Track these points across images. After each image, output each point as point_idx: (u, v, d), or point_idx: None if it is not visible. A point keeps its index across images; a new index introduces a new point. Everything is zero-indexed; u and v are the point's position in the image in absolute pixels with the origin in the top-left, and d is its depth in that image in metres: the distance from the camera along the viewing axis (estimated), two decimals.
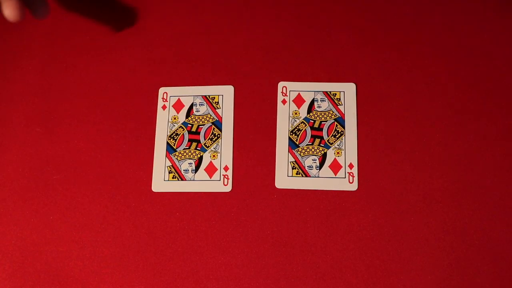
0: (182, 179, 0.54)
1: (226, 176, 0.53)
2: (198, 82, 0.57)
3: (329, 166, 0.53)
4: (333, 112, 0.54)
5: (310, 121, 0.54)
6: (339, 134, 0.53)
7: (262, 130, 0.54)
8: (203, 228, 0.52)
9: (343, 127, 0.54)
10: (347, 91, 0.55)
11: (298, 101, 0.55)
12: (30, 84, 0.58)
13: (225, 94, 0.56)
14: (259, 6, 0.59)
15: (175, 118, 0.55)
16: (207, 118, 0.55)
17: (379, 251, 0.50)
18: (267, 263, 0.51)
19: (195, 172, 0.54)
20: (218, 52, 0.57)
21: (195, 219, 0.52)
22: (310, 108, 0.55)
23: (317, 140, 0.53)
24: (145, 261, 0.52)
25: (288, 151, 0.53)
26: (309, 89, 0.55)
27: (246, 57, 0.57)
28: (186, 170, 0.54)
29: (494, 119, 0.53)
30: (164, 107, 0.56)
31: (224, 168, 0.53)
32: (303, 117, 0.54)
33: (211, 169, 0.54)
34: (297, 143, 0.53)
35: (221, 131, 0.55)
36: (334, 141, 0.53)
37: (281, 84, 0.55)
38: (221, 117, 0.55)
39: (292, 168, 0.53)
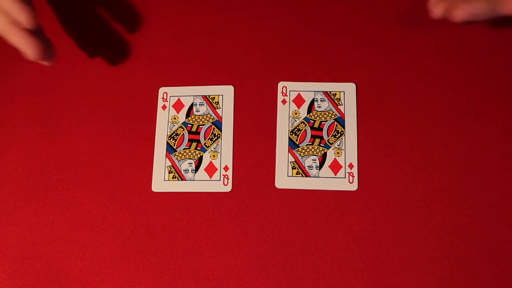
0: (182, 179, 0.54)
1: (226, 176, 0.53)
2: (198, 82, 0.57)
3: (329, 166, 0.53)
4: (333, 112, 0.54)
5: (310, 121, 0.54)
6: (339, 134, 0.53)
7: (262, 130, 0.54)
8: (203, 228, 0.52)
9: (343, 127, 0.54)
10: (347, 91, 0.55)
11: (298, 101, 0.55)
12: (30, 84, 0.58)
13: (225, 94, 0.56)
14: (259, 6, 0.59)
15: (175, 118, 0.55)
16: (207, 118, 0.55)
17: (379, 251, 0.50)
18: (267, 263, 0.51)
19: (195, 172, 0.54)
20: (218, 52, 0.57)
21: (195, 219, 0.52)
22: (310, 108, 0.55)
23: (317, 140, 0.53)
24: (145, 261, 0.52)
25: (288, 151, 0.53)
26: (309, 89, 0.55)
27: (246, 57, 0.57)
28: (186, 170, 0.54)
29: (494, 119, 0.53)
30: (164, 107, 0.56)
31: (224, 168, 0.53)
32: (303, 117, 0.54)
33: (211, 169, 0.54)
34: (297, 143, 0.53)
35: (221, 131, 0.55)
36: (334, 141, 0.53)
37: (281, 84, 0.55)
38: (221, 117, 0.55)
39: (292, 168, 0.53)
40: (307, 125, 0.54)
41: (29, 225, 0.53)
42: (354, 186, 0.52)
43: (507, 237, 0.50)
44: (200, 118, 0.55)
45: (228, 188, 0.53)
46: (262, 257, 0.51)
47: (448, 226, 0.51)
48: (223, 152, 0.54)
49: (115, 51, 0.59)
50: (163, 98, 0.56)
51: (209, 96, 0.56)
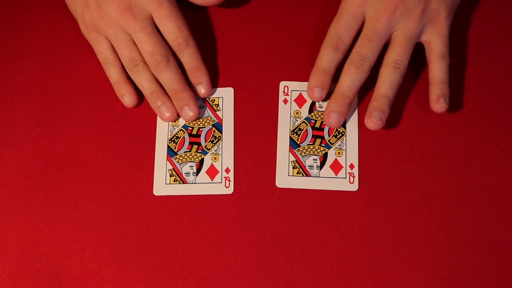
0: (183, 182, 0.53)
1: (228, 178, 0.53)
2: None
3: (329, 166, 0.53)
4: None
5: (311, 121, 0.54)
6: (340, 135, 0.54)
7: (262, 130, 0.54)
8: (205, 231, 0.52)
9: (344, 127, 0.54)
10: None
11: (300, 101, 0.55)
12: (30, 84, 0.58)
13: (225, 96, 0.56)
14: (259, 6, 0.59)
15: (175, 121, 0.55)
16: (208, 121, 0.55)
17: (379, 251, 0.50)
18: (267, 263, 0.51)
19: (197, 175, 0.53)
20: (218, 54, 0.57)
21: (197, 222, 0.52)
22: (312, 108, 0.55)
23: (318, 140, 0.53)
24: (145, 262, 0.52)
25: (289, 151, 0.53)
26: None
27: (247, 57, 0.57)
28: (187, 173, 0.54)
29: (494, 119, 0.53)
30: None
31: (225, 170, 0.53)
32: (304, 117, 0.54)
33: (212, 172, 0.53)
34: (298, 142, 0.53)
35: (221, 133, 0.55)
36: (335, 141, 0.53)
37: (282, 84, 0.55)
38: (222, 119, 0.55)
39: (293, 168, 0.53)
40: (308, 125, 0.54)
41: (29, 225, 0.53)
42: (354, 187, 0.52)
43: (507, 237, 0.50)
44: (201, 120, 0.55)
45: (230, 190, 0.53)
46: (262, 257, 0.51)
47: (448, 226, 0.51)
48: (224, 154, 0.54)
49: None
50: None
51: (209, 98, 0.56)
